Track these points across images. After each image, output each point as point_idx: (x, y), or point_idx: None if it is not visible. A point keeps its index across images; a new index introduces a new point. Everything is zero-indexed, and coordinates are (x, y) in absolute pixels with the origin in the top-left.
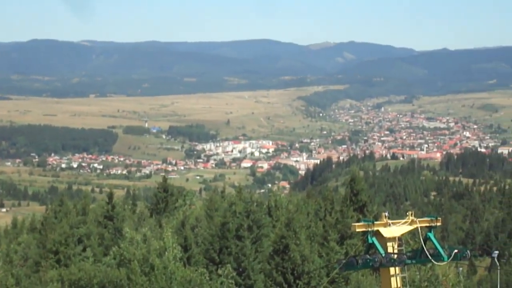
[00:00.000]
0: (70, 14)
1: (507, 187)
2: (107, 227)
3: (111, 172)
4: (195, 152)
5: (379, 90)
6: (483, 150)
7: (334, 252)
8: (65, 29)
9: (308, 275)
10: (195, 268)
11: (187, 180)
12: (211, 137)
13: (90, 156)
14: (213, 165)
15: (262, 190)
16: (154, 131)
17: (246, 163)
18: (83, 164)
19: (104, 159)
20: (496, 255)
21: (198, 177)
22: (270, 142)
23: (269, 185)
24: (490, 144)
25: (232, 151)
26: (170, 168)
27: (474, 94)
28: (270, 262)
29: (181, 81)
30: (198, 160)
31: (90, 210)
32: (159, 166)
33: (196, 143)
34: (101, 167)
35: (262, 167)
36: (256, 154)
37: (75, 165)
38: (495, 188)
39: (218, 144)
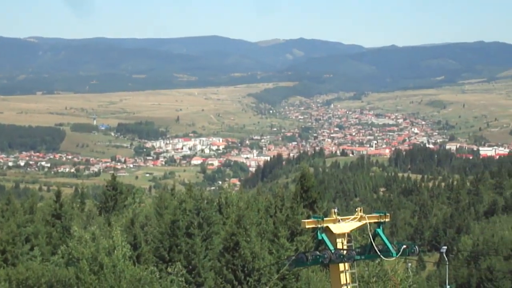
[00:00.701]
0: (16, 10)
1: (455, 182)
2: (55, 225)
3: (59, 170)
4: (144, 150)
5: (329, 86)
6: (431, 146)
7: (284, 249)
8: (11, 26)
9: (258, 272)
10: (145, 267)
11: (137, 177)
12: (160, 135)
13: (37, 154)
14: (163, 163)
15: (212, 187)
16: (103, 128)
17: (196, 160)
18: (31, 162)
19: (51, 157)
20: (444, 251)
21: (147, 175)
22: (220, 139)
23: (220, 182)
24: (438, 140)
25: (182, 148)
26: (119, 165)
27: (422, 91)
28: (221, 259)
29: (130, 78)
30: (148, 158)
31: (37, 209)
32: (108, 164)
33: (146, 141)
34: (48, 165)
35: (212, 164)
36: (206, 151)
37: (22, 163)
38: (443, 184)
39: (168, 142)
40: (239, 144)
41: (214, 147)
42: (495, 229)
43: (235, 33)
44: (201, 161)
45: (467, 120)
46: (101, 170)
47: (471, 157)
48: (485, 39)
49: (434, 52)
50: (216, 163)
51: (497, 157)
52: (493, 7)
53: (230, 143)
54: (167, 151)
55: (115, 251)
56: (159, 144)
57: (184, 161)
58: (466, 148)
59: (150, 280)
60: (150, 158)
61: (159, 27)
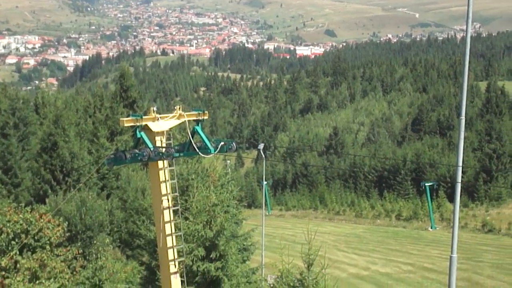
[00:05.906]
0: None
1: (272, 82)
2: None
3: None
4: None
5: None
6: (250, 45)
7: (104, 149)
8: None
9: (77, 172)
10: None
11: None
12: None
13: None
14: None
15: (28, 87)
16: None
17: (11, 59)
18: None
19: None
20: (262, 147)
21: None
22: (36, 37)
23: (36, 82)
24: (256, 40)
25: None
26: None
27: None
28: (38, 160)
29: None
30: None
31: None
32: None
33: None
34: None
35: (28, 63)
36: (22, 49)
37: None
38: (261, 83)
39: None
40: (56, 43)
41: (30, 46)
42: (310, 126)
43: None
44: (16, 60)
45: (284, 19)
46: None
47: (288, 57)
48: None
49: None
50: (32, 62)
51: (313, 56)
52: None
53: (46, 41)
54: None
55: None
56: None
57: None
58: (283, 47)
59: None
60: None
61: None
